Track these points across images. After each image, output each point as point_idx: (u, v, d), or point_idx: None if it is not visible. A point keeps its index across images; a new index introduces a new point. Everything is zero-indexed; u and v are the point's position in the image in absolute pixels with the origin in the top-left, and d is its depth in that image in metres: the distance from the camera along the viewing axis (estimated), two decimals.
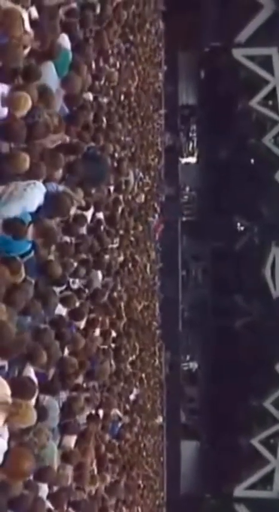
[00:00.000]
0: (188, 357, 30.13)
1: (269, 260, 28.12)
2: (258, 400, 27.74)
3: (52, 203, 5.92)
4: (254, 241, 29.87)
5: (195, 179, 30.51)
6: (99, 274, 8.87)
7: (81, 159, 7.10)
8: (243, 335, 28.62)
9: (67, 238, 7.04)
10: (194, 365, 30.40)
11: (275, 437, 27.49)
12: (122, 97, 11.93)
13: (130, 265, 13.40)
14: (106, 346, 9.40)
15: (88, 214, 8.05)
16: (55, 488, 6.63)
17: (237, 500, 27.29)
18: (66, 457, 7.08)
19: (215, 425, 28.23)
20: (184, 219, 29.25)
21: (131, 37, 13.17)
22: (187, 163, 30.69)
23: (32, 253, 5.74)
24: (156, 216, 21.71)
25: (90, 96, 8.27)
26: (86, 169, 7.13)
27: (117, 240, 10.88)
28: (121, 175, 11.06)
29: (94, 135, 8.09)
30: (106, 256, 9.39)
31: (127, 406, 12.82)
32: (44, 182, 5.76)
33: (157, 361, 21.79)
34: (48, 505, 6.31)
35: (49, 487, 6.46)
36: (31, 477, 5.57)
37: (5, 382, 4.89)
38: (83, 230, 7.76)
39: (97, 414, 8.89)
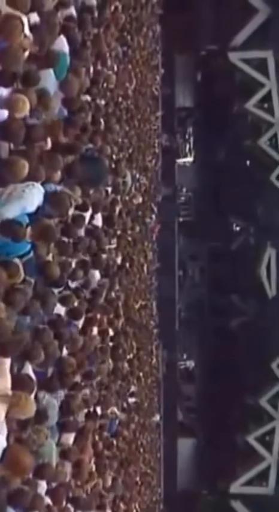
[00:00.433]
0: (185, 356, 30.23)
1: (264, 260, 28.27)
2: (254, 398, 27.89)
3: (52, 202, 5.99)
4: (250, 241, 30.00)
5: (192, 180, 30.61)
6: (97, 273, 8.96)
7: (79, 160, 7.17)
8: (239, 334, 28.75)
9: (65, 239, 7.11)
10: (191, 364, 30.50)
11: (270, 434, 27.68)
12: (120, 99, 12.03)
13: (127, 265, 13.49)
14: (104, 345, 9.48)
15: (87, 215, 8.13)
16: (54, 485, 6.70)
17: (233, 497, 27.49)
18: (64, 454, 7.15)
19: (211, 423, 28.34)
20: (180, 219, 29.34)
21: (129, 40, 13.28)
22: (184, 165, 30.79)
23: (31, 254, 5.81)
24: (153, 217, 21.82)
25: (88, 98, 8.35)
26: (84, 170, 7.20)
27: (114, 240, 10.97)
28: (118, 176, 11.14)
29: (92, 136, 8.17)
30: (104, 256, 9.47)
31: (125, 404, 12.92)
32: (43, 183, 5.82)
33: (154, 360, 21.90)
34: (48, 500, 6.39)
35: (48, 484, 6.53)
36: (30, 474, 5.64)
37: (8, 375, 4.97)
38: (81, 231, 7.83)
39: (95, 412, 8.98)
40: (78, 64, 7.33)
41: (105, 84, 9.65)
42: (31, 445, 5.70)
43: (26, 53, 5.73)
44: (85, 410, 8.33)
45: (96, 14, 8.58)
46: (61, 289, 7.05)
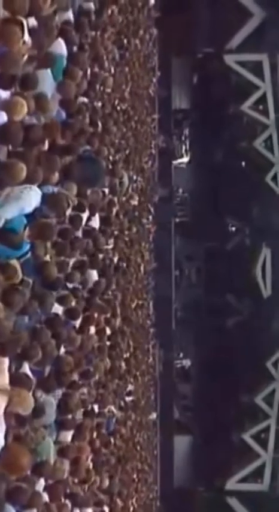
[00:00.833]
0: (181, 355, 30.29)
1: (260, 260, 28.39)
2: (249, 397, 28.04)
3: (49, 204, 6.04)
4: (246, 242, 30.11)
5: (188, 181, 30.68)
6: (95, 273, 9.03)
7: (76, 161, 7.23)
8: (235, 333, 28.84)
9: (62, 240, 7.16)
10: (187, 363, 30.56)
11: (265, 432, 27.83)
12: (116, 101, 12.10)
13: (124, 265, 13.57)
14: (101, 344, 9.55)
15: (84, 216, 8.20)
16: (51, 482, 6.76)
17: (229, 493, 27.66)
18: (62, 451, 7.21)
19: (207, 421, 28.45)
20: (177, 220, 29.38)
21: (125, 43, 13.35)
22: (180, 166, 30.85)
23: (29, 254, 5.83)
24: (150, 218, 21.90)
25: (85, 100, 8.42)
26: (82, 171, 7.26)
27: (111, 240, 11.05)
28: (115, 177, 11.21)
29: (89, 138, 8.24)
30: (101, 256, 9.55)
31: (122, 403, 13.00)
32: (40, 185, 5.85)
33: (151, 359, 21.98)
34: (45, 497, 6.45)
35: (46, 481, 6.59)
36: (28, 472, 5.67)
37: (6, 374, 5.03)
38: (79, 232, 7.90)
39: (92, 410, 9.05)
40: (75, 66, 7.39)
41: (102, 87, 9.73)
42: (29, 443, 5.77)
43: (25, 57, 5.80)
44: (83, 409, 8.39)
45: (93, 18, 8.66)
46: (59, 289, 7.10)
